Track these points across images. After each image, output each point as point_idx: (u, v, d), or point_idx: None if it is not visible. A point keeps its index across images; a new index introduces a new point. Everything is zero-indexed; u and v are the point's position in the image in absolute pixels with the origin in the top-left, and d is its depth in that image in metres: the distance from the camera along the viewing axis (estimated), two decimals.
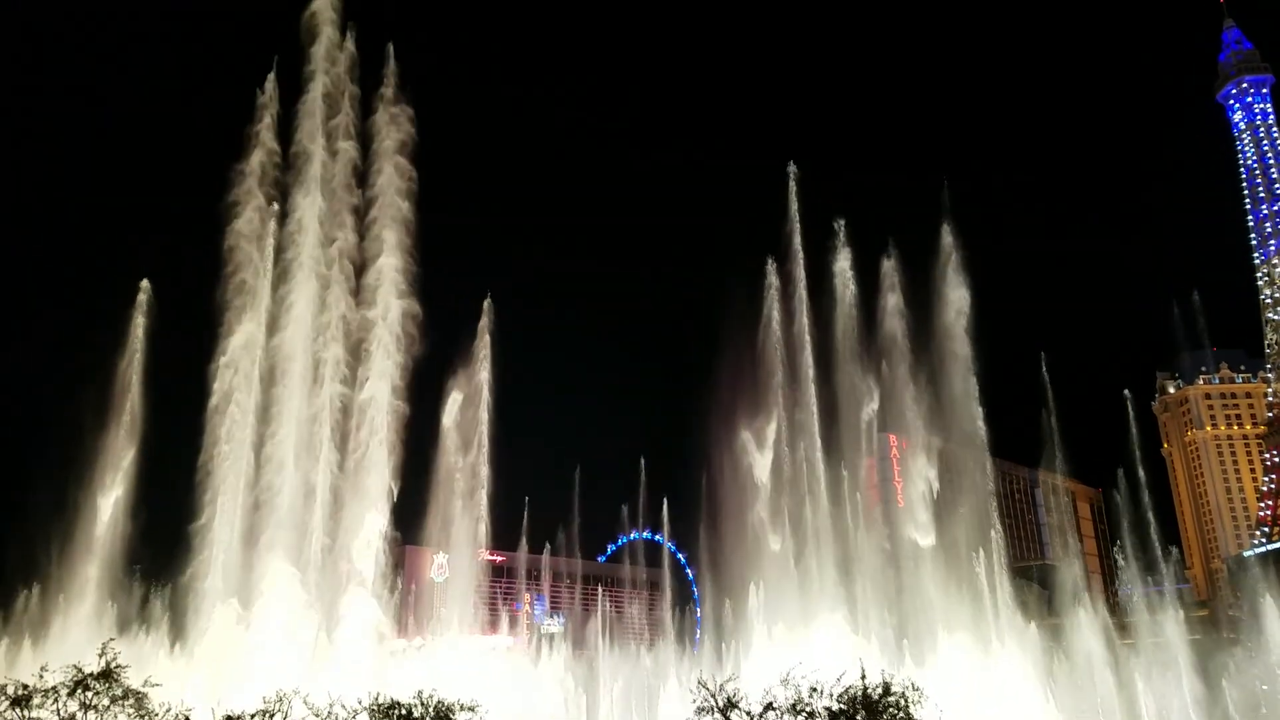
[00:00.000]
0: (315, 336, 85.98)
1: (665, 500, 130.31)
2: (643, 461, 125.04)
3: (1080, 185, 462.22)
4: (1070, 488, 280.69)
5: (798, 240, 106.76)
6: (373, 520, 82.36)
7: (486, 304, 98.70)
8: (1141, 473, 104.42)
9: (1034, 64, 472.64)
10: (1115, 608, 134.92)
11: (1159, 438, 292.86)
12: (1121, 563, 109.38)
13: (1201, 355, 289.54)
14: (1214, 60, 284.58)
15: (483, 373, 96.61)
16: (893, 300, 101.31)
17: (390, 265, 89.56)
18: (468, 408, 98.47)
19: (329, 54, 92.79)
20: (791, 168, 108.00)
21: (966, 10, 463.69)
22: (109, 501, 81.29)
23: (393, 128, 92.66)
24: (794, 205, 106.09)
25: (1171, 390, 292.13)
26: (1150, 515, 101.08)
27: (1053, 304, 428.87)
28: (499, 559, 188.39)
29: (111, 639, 40.17)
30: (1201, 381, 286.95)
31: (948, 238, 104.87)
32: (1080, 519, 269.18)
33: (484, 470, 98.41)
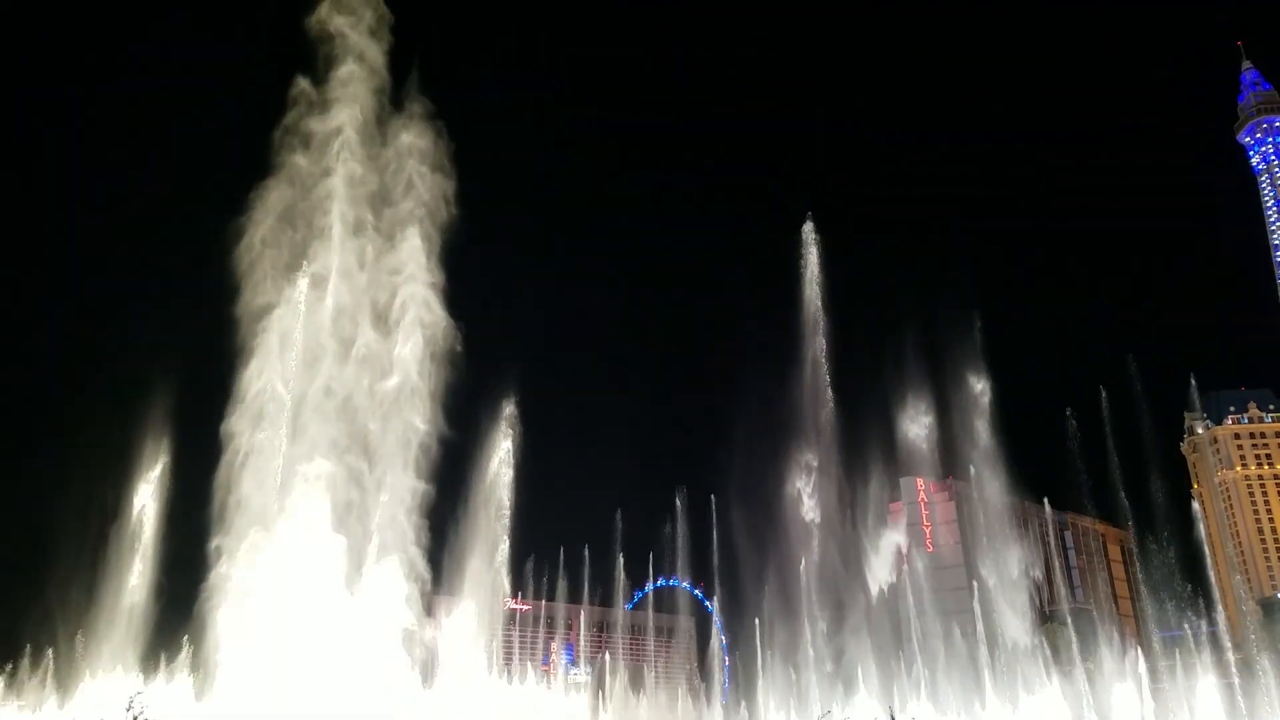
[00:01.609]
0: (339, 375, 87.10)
1: (678, 538, 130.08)
2: (677, 503, 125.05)
3: (1099, 229, 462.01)
4: (1100, 530, 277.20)
5: (817, 303, 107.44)
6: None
7: (509, 411, 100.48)
8: (1175, 514, 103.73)
9: (1050, 105, 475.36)
10: (1149, 651, 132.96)
11: (1189, 478, 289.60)
12: (1154, 606, 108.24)
13: (1229, 395, 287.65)
14: (1233, 102, 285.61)
15: (505, 472, 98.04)
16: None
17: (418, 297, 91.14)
18: (493, 480, 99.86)
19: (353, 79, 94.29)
20: (809, 228, 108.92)
21: (979, 49, 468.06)
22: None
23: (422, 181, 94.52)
24: (812, 267, 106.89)
25: (1200, 430, 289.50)
26: (1182, 557, 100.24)
27: (1078, 347, 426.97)
28: (524, 608, 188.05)
29: (140, 692, 40.60)
30: (1230, 421, 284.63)
31: (976, 333, 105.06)
32: (1110, 561, 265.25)
33: (506, 524, 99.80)
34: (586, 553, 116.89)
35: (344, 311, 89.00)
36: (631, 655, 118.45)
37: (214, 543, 79.28)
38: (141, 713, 36.25)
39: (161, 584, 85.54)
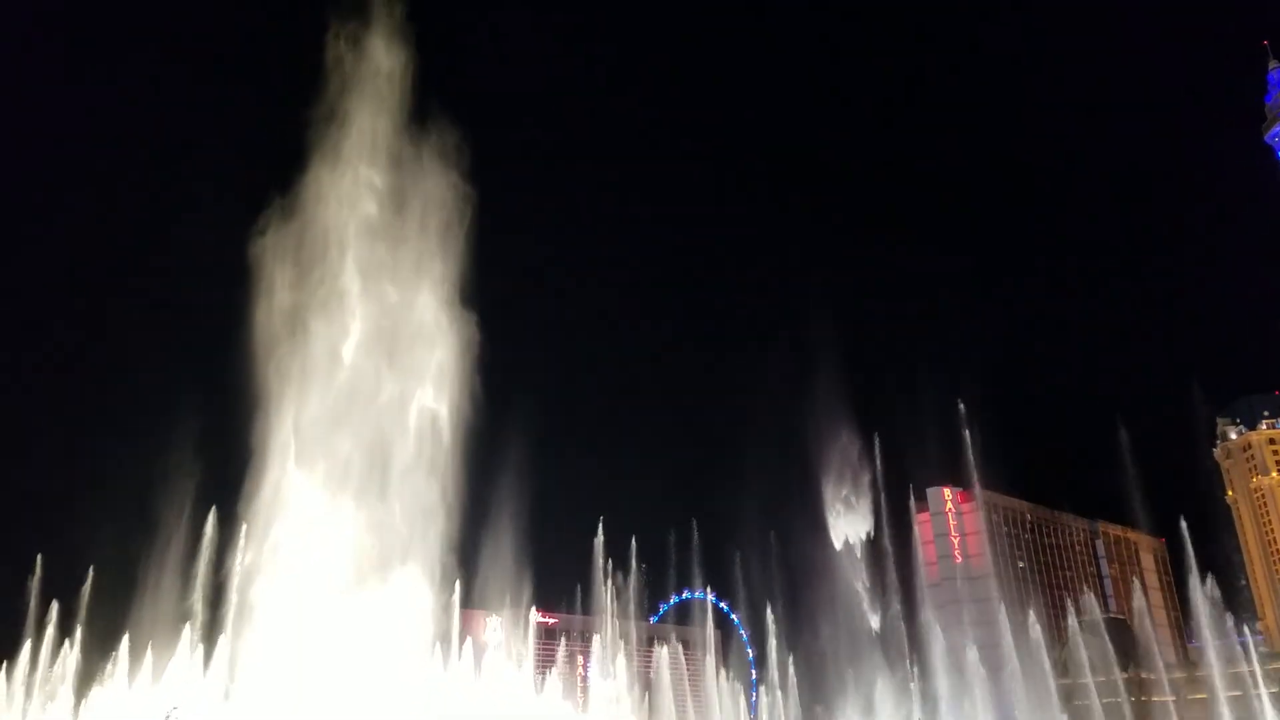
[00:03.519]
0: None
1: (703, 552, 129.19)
2: (695, 525, 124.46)
3: (1127, 231, 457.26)
4: (1132, 538, 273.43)
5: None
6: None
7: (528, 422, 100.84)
8: (1208, 521, 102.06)
9: (1074, 108, 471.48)
10: (1187, 661, 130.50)
11: (1223, 484, 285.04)
12: (1190, 614, 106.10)
13: (1263, 400, 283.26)
14: (1259, 102, 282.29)
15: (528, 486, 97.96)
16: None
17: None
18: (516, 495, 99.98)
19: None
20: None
21: (998, 51, 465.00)
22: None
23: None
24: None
25: (1234, 436, 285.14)
26: (1218, 564, 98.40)
27: (1108, 355, 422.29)
28: (551, 621, 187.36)
29: (176, 706, 40.56)
30: (1265, 426, 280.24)
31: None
32: (1144, 570, 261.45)
33: (528, 537, 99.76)
34: (609, 565, 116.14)
35: (365, 331, 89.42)
36: (658, 668, 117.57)
37: (243, 557, 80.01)
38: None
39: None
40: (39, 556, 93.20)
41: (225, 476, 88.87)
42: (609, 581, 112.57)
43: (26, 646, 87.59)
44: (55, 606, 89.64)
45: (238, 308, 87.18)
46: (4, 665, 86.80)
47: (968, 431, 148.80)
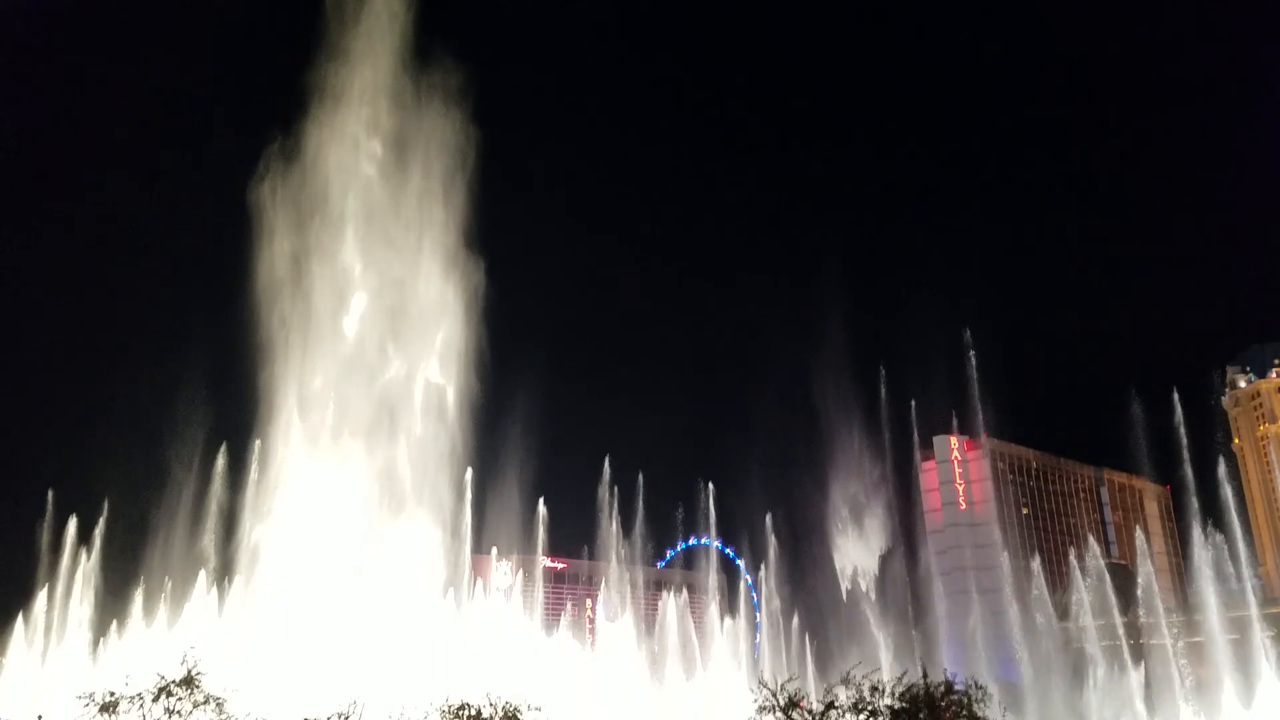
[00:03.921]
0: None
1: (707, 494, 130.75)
2: (704, 482, 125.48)
3: (1139, 178, 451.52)
4: (1137, 486, 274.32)
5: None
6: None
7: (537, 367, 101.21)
8: (1213, 469, 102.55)
9: (1100, 59, 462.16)
10: (1186, 606, 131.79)
11: (1230, 433, 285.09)
12: (1191, 559, 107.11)
13: (1274, 348, 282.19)
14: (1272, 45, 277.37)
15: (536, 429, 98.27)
16: None
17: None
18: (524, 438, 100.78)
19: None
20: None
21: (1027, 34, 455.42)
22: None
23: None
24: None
25: (1243, 384, 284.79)
26: (1220, 512, 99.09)
27: (1118, 299, 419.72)
28: (559, 565, 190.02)
29: (192, 646, 41.64)
30: (1274, 375, 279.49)
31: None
32: (1147, 517, 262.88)
33: (538, 482, 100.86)
34: (615, 507, 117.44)
35: (370, 277, 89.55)
36: (664, 612, 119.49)
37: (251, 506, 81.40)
38: (195, 665, 36.99)
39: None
40: (49, 494, 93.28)
41: (234, 418, 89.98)
42: (613, 517, 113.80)
43: (43, 589, 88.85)
44: (69, 544, 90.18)
45: (241, 249, 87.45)
46: (20, 608, 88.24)
47: (975, 380, 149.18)
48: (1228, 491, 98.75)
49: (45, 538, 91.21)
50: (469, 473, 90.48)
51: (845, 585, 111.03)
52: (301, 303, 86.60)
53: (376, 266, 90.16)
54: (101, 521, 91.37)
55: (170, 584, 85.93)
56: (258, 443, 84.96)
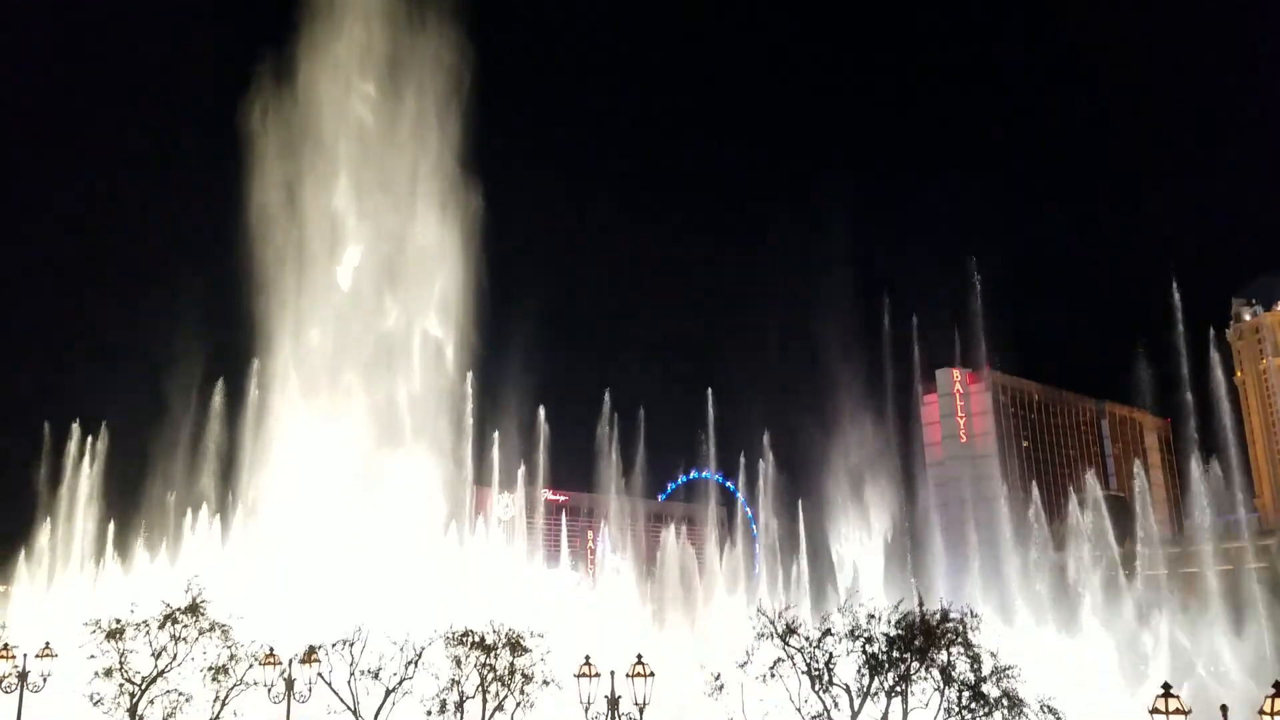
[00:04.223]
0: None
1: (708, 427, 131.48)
2: (710, 396, 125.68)
3: (1146, 108, 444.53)
4: (1138, 418, 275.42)
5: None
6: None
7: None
8: (1212, 401, 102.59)
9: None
10: (1183, 537, 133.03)
11: (1233, 366, 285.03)
12: (1189, 494, 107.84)
13: None
14: None
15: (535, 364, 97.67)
16: None
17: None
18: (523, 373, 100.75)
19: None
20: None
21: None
22: None
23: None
24: None
25: (1247, 317, 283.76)
26: (1219, 445, 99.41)
27: (1123, 235, 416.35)
28: (561, 498, 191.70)
29: (196, 575, 42.09)
30: (1279, 308, 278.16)
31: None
32: (1147, 449, 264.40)
33: (542, 418, 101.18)
34: (616, 440, 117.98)
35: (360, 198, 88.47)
36: (665, 544, 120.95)
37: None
38: (200, 594, 37.25)
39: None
40: (46, 426, 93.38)
41: (232, 346, 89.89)
42: (613, 449, 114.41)
43: (45, 518, 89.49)
44: (69, 469, 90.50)
45: (235, 174, 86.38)
46: (24, 538, 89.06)
47: (979, 312, 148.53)
48: (1227, 424, 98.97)
49: (44, 470, 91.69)
50: (469, 402, 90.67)
51: (843, 517, 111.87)
52: (295, 232, 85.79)
53: (371, 198, 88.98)
54: (101, 448, 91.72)
55: (172, 514, 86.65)
56: (255, 364, 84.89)
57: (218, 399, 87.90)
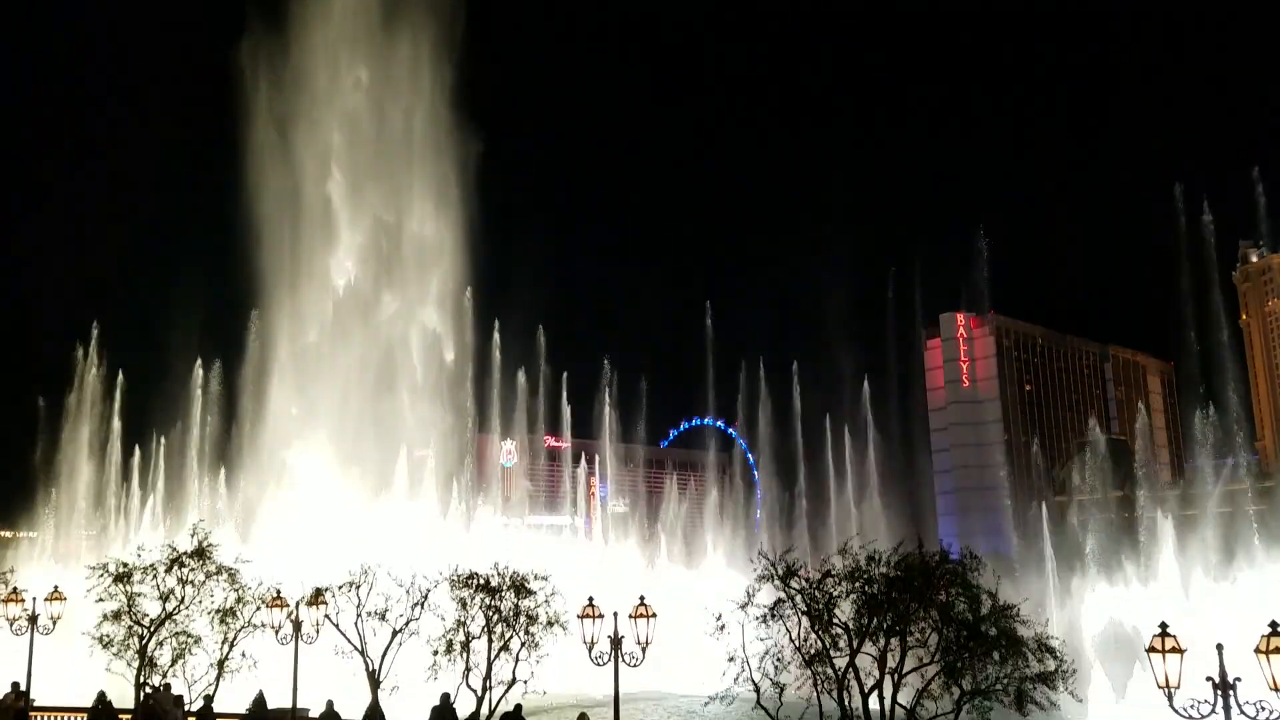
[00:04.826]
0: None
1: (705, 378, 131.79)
2: (708, 327, 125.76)
3: (1149, 45, 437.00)
4: (1141, 361, 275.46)
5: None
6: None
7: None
8: (1217, 345, 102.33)
9: None
10: (1183, 480, 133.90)
11: (1238, 309, 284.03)
12: (1190, 436, 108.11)
13: None
14: None
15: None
16: None
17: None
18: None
19: None
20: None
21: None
22: None
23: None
24: None
25: (1254, 259, 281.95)
26: (1219, 387, 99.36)
27: (1128, 177, 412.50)
28: (561, 444, 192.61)
29: (202, 519, 42.38)
30: None
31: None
32: (1150, 393, 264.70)
33: (542, 363, 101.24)
34: (612, 386, 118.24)
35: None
36: (666, 490, 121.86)
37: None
38: (206, 537, 37.45)
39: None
40: (40, 401, 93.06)
41: (231, 290, 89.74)
42: (607, 394, 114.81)
43: (54, 463, 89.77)
44: (73, 400, 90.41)
45: (226, 116, 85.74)
46: (34, 481, 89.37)
47: (985, 255, 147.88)
48: (1229, 367, 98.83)
49: (42, 414, 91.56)
50: (470, 335, 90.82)
51: (845, 460, 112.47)
52: (289, 175, 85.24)
53: (363, 130, 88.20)
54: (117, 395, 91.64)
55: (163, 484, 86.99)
56: (254, 314, 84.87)
57: (207, 387, 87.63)
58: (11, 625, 40.23)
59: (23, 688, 38.71)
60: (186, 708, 36.38)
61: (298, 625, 35.84)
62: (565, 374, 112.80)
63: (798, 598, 24.72)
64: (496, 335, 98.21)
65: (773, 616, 24.77)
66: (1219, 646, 19.56)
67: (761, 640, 24.84)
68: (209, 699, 36.15)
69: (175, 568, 37.23)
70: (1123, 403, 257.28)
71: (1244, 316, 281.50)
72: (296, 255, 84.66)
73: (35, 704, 39.53)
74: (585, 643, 29.47)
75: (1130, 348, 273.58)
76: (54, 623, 40.13)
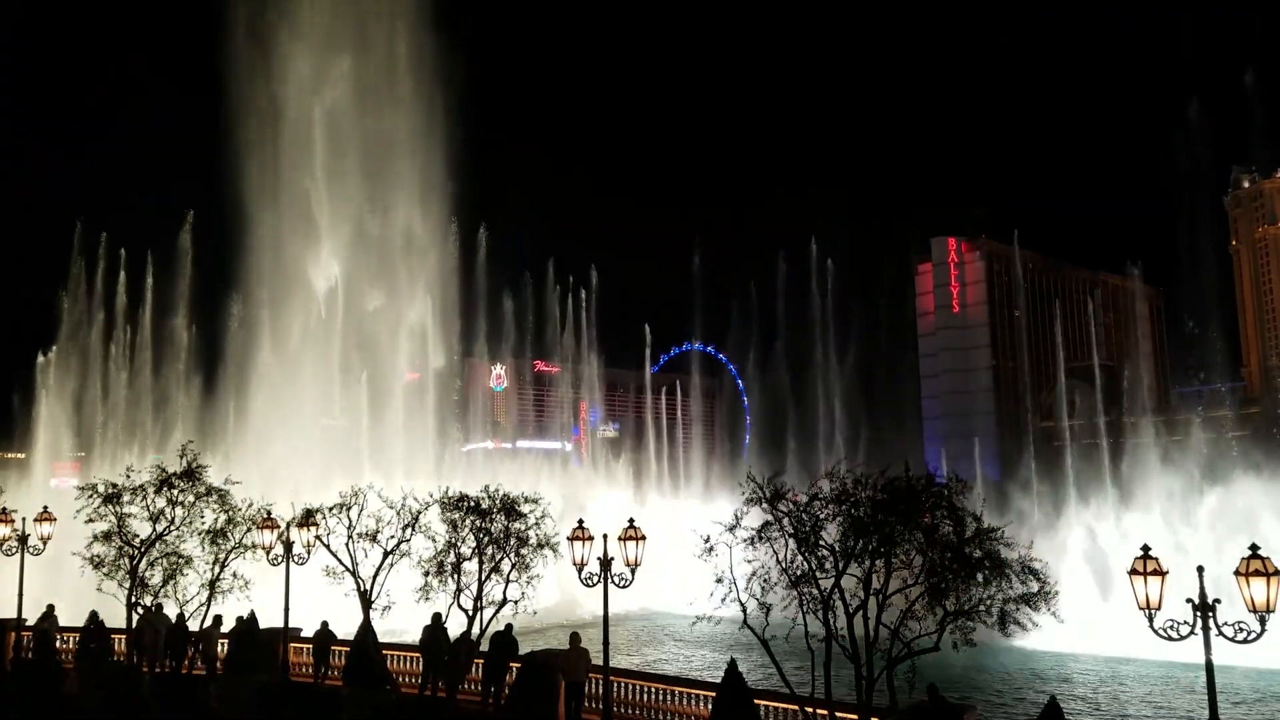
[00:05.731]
0: None
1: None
2: (696, 259, 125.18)
3: None
4: (1131, 288, 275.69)
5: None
6: None
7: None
8: (1207, 271, 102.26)
9: None
10: (1170, 406, 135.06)
11: (1229, 234, 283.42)
12: (1177, 362, 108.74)
13: None
14: None
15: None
16: None
17: None
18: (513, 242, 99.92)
19: None
20: None
21: None
22: None
23: None
24: None
25: (1246, 184, 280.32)
26: (1207, 312, 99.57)
27: (1119, 97, 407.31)
28: (553, 370, 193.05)
29: (191, 441, 42.35)
30: None
31: None
32: (1138, 319, 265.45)
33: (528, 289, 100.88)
34: (590, 305, 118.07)
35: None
36: (656, 415, 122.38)
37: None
38: (195, 459, 37.24)
39: None
40: (39, 356, 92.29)
41: (218, 215, 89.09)
42: (586, 314, 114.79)
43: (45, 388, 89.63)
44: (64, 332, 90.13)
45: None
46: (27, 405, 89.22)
47: (976, 179, 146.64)
48: (1217, 293, 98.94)
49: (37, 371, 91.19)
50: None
51: (834, 385, 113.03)
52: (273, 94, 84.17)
53: (349, 83, 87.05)
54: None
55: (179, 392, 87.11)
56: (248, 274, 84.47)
57: (189, 343, 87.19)
58: (1, 546, 40.42)
59: (55, 611, 39.19)
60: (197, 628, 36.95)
61: (289, 546, 36.06)
62: (556, 297, 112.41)
63: (785, 520, 24.81)
64: (483, 249, 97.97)
65: (760, 539, 24.90)
66: (1199, 569, 19.81)
67: (749, 562, 25.02)
68: (218, 619, 36.71)
69: (165, 489, 37.26)
70: (1111, 328, 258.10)
71: (1234, 242, 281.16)
72: (280, 168, 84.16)
73: (27, 624, 39.92)
74: (575, 564, 29.72)
75: (1120, 274, 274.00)
76: (44, 544, 40.32)
